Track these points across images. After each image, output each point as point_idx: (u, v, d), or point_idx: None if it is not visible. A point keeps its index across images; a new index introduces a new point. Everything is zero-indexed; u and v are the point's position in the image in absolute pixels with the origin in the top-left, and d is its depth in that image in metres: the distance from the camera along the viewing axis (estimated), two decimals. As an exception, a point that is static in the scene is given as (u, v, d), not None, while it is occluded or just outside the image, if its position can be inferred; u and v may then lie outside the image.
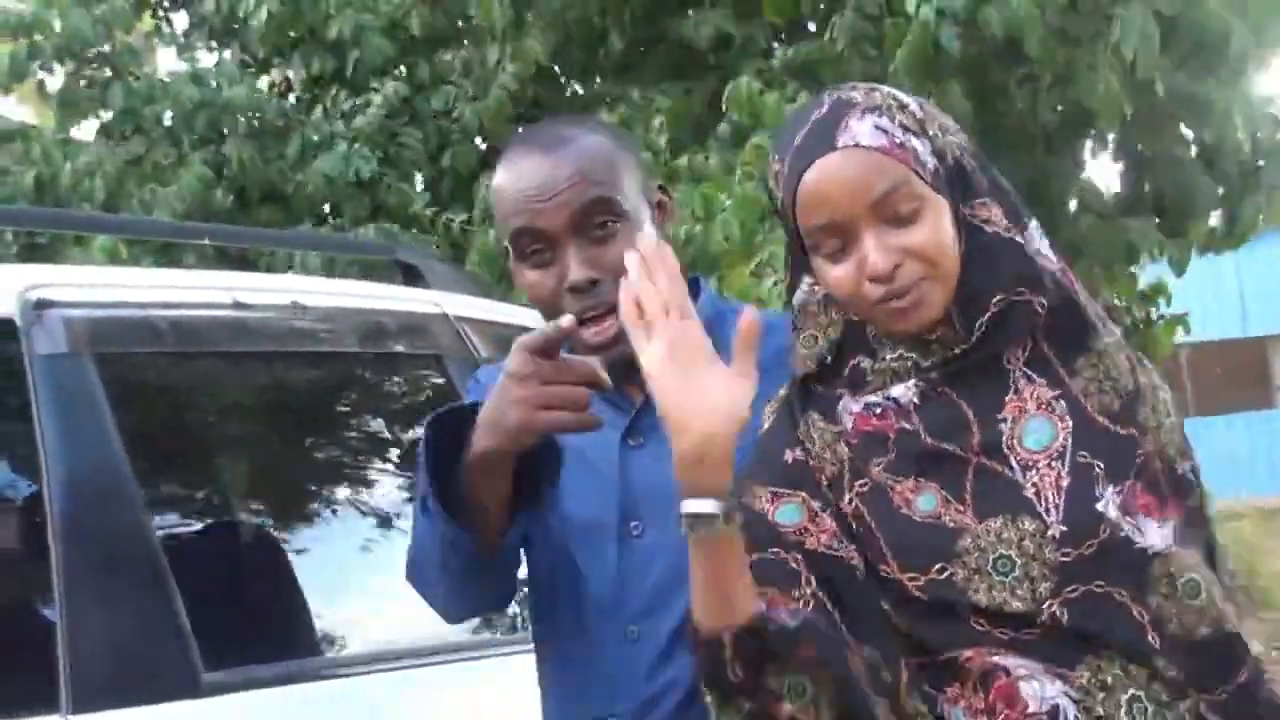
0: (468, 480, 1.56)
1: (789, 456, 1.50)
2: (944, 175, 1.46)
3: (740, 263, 4.76)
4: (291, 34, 6.97)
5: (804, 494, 1.47)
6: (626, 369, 1.66)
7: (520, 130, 1.76)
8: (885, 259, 1.42)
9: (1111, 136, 6.88)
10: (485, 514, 1.59)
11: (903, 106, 1.47)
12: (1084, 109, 5.47)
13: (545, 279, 1.67)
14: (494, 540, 1.60)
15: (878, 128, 1.44)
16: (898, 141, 1.43)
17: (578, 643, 1.74)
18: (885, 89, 1.49)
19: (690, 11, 6.26)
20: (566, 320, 1.53)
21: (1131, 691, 1.36)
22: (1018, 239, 1.49)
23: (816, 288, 1.55)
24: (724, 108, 5.32)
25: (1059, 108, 5.88)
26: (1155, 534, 1.40)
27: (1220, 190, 6.52)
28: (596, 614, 1.71)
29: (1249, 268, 16.98)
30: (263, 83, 7.21)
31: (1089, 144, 6.89)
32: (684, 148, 5.63)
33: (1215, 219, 6.81)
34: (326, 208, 6.93)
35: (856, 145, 1.42)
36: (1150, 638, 1.37)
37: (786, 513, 1.47)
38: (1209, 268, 8.17)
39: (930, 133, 1.47)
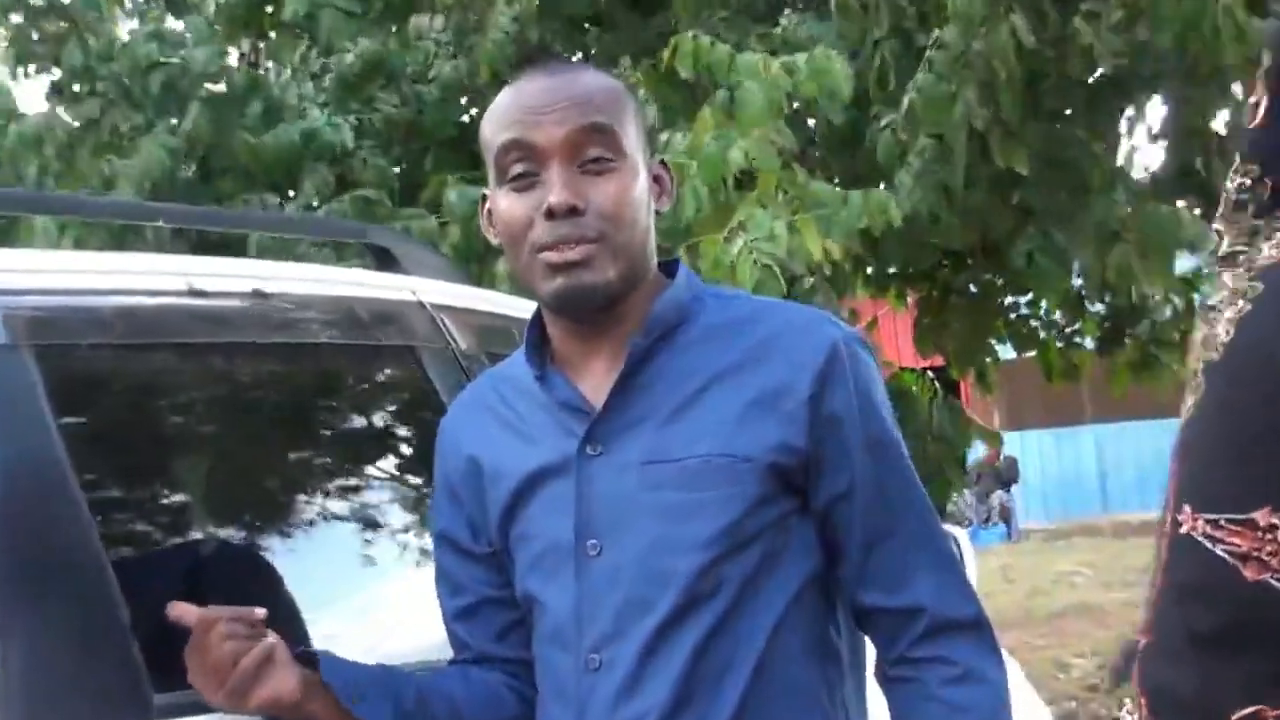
0: None
1: None
2: None
3: (714, 228, 4.74)
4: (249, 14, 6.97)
5: None
6: (584, 302, 1.67)
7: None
8: None
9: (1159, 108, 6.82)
10: None
11: None
12: (1144, 58, 5.32)
13: (522, 203, 1.67)
14: None
15: None
16: None
17: (539, 674, 1.74)
18: None
19: None
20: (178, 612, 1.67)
21: None
22: None
23: None
24: (672, 64, 5.26)
25: (1105, 68, 5.76)
26: None
27: None
28: (555, 643, 1.71)
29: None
30: (232, 57, 7.19)
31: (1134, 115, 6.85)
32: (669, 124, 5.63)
33: None
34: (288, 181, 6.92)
35: None
36: None
37: None
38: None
39: None
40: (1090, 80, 5.98)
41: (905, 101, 5.66)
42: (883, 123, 5.98)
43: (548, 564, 1.71)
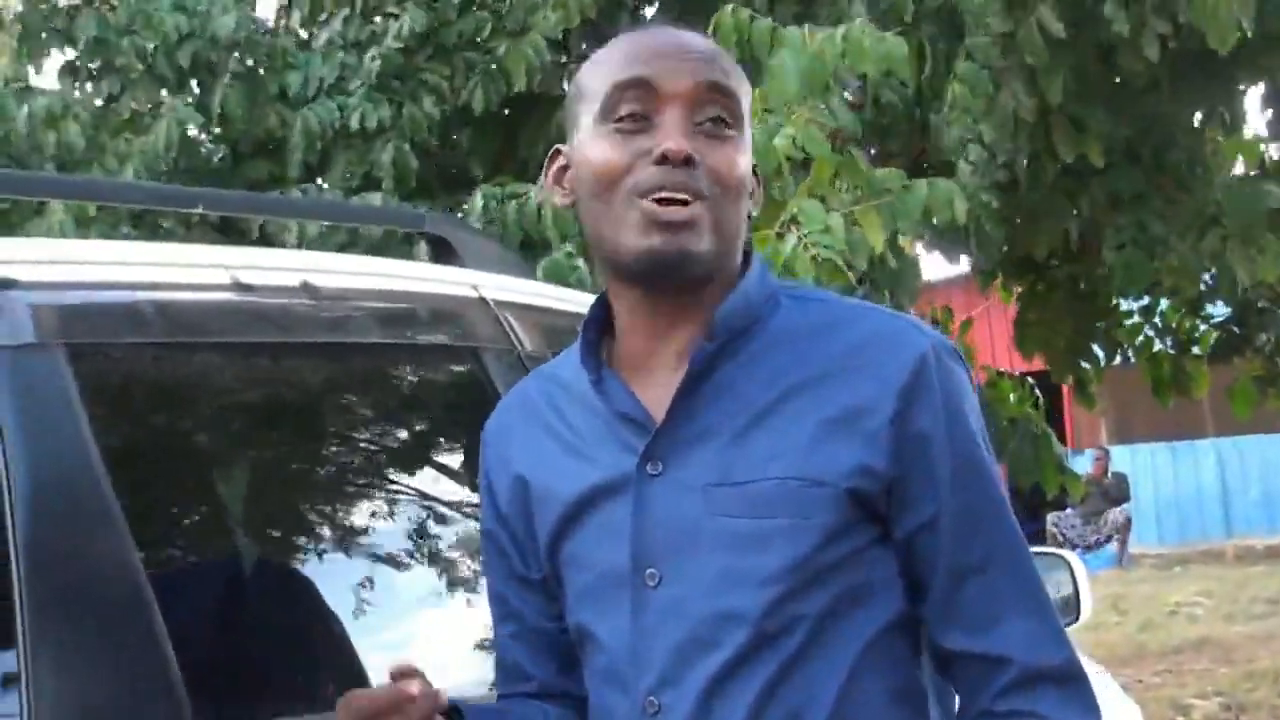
0: None
1: None
2: None
3: (764, 224, 4.72)
4: None
5: None
6: (677, 271, 1.63)
7: (595, 46, 1.77)
8: None
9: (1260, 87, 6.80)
10: None
11: None
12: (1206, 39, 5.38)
13: (624, 147, 1.64)
14: None
15: None
16: None
17: (592, 713, 1.73)
18: None
19: None
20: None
21: None
22: None
23: None
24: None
25: (1172, 43, 5.78)
26: None
27: None
28: (610, 682, 1.69)
29: None
30: (260, 11, 7.28)
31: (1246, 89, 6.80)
32: None
33: None
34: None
35: None
36: None
37: None
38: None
39: None
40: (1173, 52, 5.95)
41: (950, 91, 5.68)
42: (940, 112, 6.02)
43: (601, 594, 1.69)
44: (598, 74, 1.68)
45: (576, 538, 1.71)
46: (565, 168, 1.74)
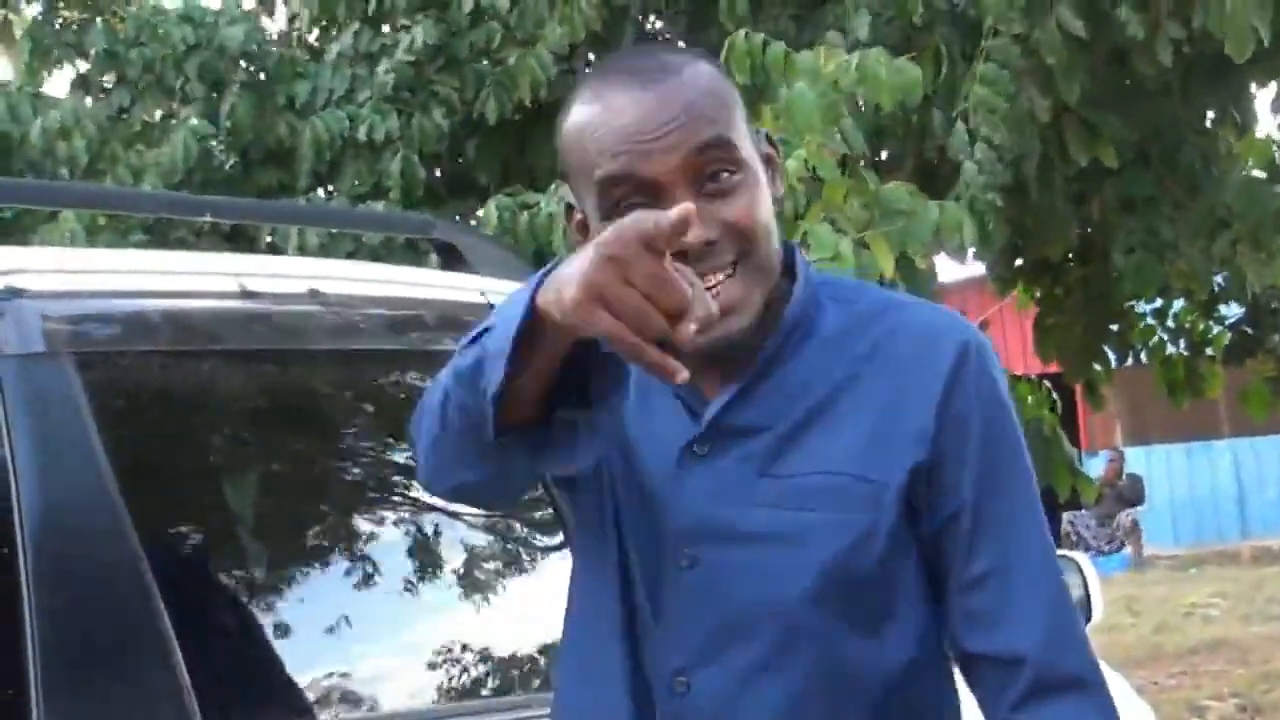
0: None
1: None
2: None
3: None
4: None
5: None
6: (732, 348, 1.61)
7: (598, 61, 1.68)
8: None
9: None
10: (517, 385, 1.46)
11: None
12: (1220, 45, 5.39)
13: None
14: (512, 418, 1.48)
15: None
16: None
17: (614, 696, 1.70)
18: None
19: None
20: (682, 210, 1.33)
21: None
22: None
23: None
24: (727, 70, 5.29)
25: (1186, 47, 5.79)
26: None
27: None
28: (637, 661, 1.68)
29: None
30: (270, 24, 7.32)
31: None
32: None
33: None
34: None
35: None
36: None
37: None
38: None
39: None
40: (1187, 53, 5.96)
41: (970, 93, 5.68)
42: (954, 112, 6.02)
43: (635, 561, 1.68)
44: (580, 145, 1.60)
45: (620, 497, 1.69)
46: (587, 224, 1.66)
